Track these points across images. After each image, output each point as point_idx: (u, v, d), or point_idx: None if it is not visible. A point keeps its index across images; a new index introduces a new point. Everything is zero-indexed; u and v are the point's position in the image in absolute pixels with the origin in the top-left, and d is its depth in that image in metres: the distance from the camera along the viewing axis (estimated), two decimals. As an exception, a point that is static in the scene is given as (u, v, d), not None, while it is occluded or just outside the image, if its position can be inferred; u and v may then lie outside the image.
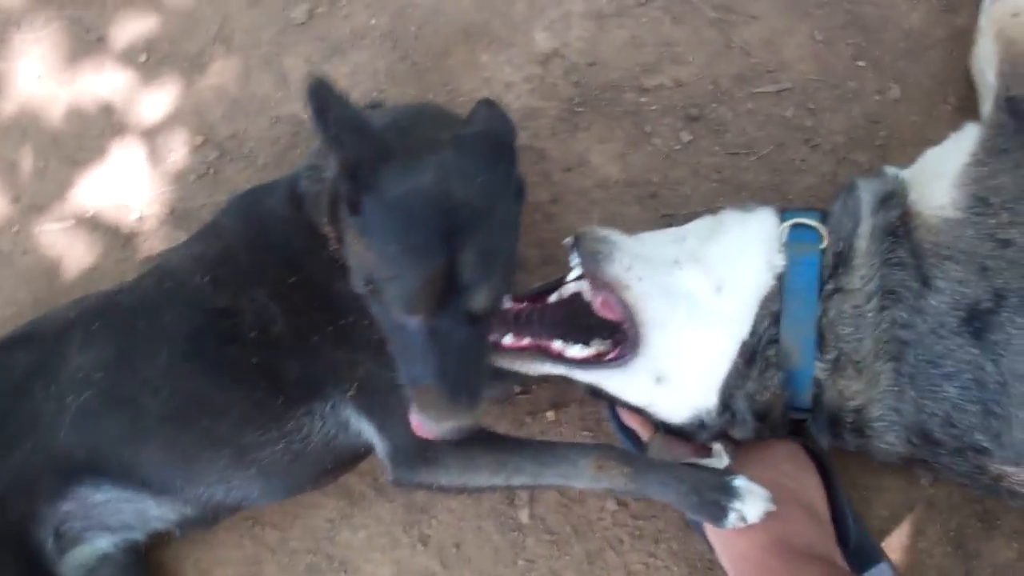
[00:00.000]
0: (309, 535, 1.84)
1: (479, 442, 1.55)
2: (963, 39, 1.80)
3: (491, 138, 1.36)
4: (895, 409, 1.46)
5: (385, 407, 1.55)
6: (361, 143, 1.31)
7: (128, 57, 2.10)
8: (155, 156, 2.01)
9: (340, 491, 1.84)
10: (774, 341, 1.50)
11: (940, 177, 1.49)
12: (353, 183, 1.33)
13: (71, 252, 2.03)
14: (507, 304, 1.62)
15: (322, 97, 1.28)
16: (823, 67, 1.86)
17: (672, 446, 1.64)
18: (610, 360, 1.56)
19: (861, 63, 1.85)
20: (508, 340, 1.58)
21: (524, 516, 1.78)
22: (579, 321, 1.60)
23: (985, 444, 1.43)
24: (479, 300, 1.33)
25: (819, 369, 1.48)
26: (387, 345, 1.41)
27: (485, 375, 1.41)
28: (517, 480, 1.54)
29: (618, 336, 1.56)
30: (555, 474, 1.53)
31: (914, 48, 1.85)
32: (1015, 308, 1.38)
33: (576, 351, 1.57)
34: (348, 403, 1.57)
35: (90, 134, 2.07)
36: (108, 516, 1.65)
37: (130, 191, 2.01)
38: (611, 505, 1.77)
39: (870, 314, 1.46)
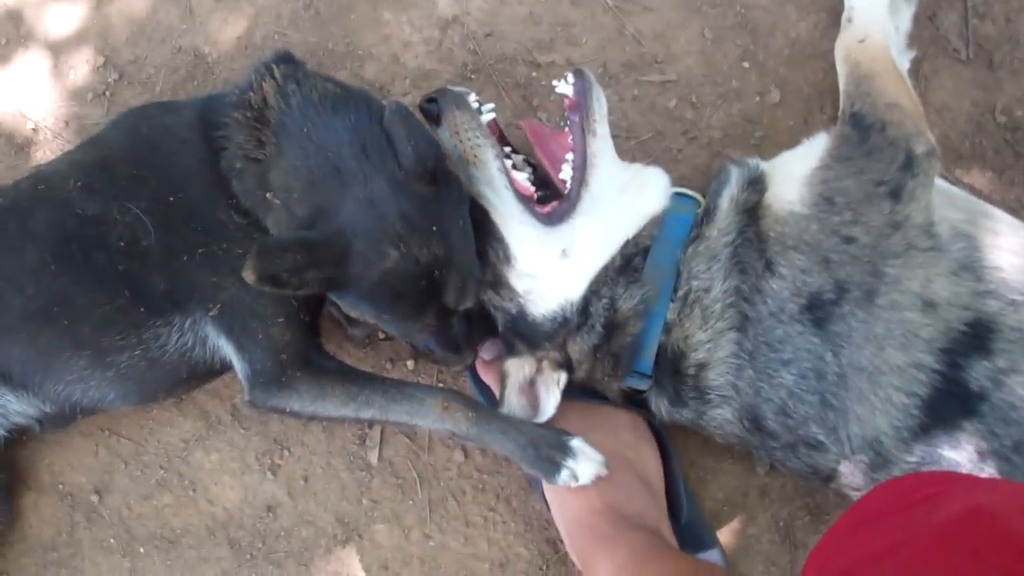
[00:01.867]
0: (163, 451, 1.88)
1: (334, 373, 1.62)
2: (845, 53, 1.85)
3: (427, 175, 1.45)
4: (734, 385, 1.53)
5: (246, 330, 1.60)
6: (329, 265, 1.41)
7: (40, -28, 2.08)
8: (57, 71, 2.01)
9: (198, 412, 1.88)
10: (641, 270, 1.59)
11: (792, 176, 1.58)
12: (330, 288, 1.47)
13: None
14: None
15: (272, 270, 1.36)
16: (709, 64, 1.91)
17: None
18: (544, 211, 1.61)
19: (746, 64, 1.90)
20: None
21: (373, 458, 1.84)
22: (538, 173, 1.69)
23: (820, 437, 1.50)
24: (468, 304, 1.55)
25: (671, 311, 1.56)
26: None
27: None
28: (366, 413, 1.61)
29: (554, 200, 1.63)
30: (402, 410, 1.60)
31: (798, 56, 1.90)
32: (857, 301, 1.45)
33: (522, 177, 1.64)
34: (209, 321, 1.61)
35: (-5, 41, 2.07)
36: (-30, 408, 1.68)
37: (29, 101, 2.01)
38: (458, 456, 1.83)
39: (722, 259, 1.54)
